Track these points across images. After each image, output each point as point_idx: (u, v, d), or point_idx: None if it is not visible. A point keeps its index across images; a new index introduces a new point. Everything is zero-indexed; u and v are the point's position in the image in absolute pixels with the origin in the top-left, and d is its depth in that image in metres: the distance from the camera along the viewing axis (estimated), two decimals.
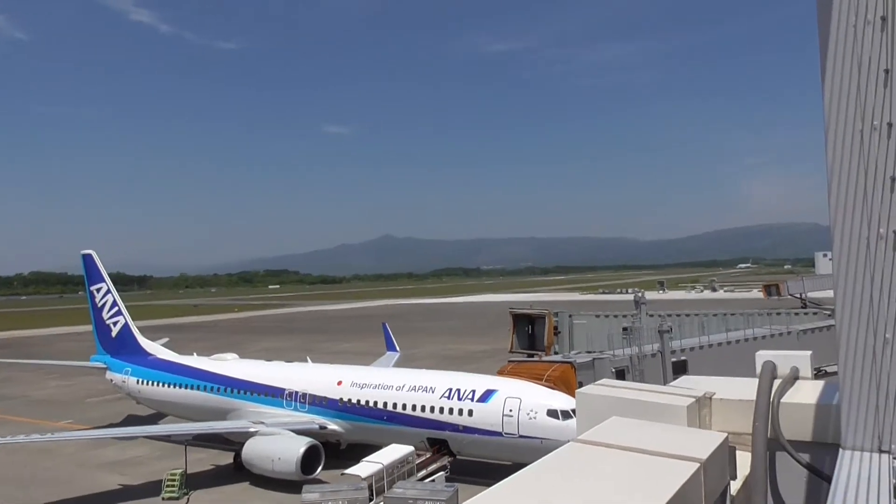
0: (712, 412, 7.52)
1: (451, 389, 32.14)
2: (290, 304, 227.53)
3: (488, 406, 30.65)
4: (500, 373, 36.18)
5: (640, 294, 43.90)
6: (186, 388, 41.60)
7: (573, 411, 25.63)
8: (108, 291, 49.07)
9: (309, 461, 31.47)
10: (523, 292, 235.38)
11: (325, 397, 35.87)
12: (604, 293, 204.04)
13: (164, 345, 49.11)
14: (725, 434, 6.17)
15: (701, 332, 43.51)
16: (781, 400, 7.12)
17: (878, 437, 5.46)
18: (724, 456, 5.88)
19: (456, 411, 31.37)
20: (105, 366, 47.84)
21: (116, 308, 48.70)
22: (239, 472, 33.96)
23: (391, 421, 33.11)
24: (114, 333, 48.37)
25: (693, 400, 7.16)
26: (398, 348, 53.86)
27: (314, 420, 35.44)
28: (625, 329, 41.65)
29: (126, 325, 48.33)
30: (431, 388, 32.81)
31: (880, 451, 5.41)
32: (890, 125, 5.23)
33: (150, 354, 46.81)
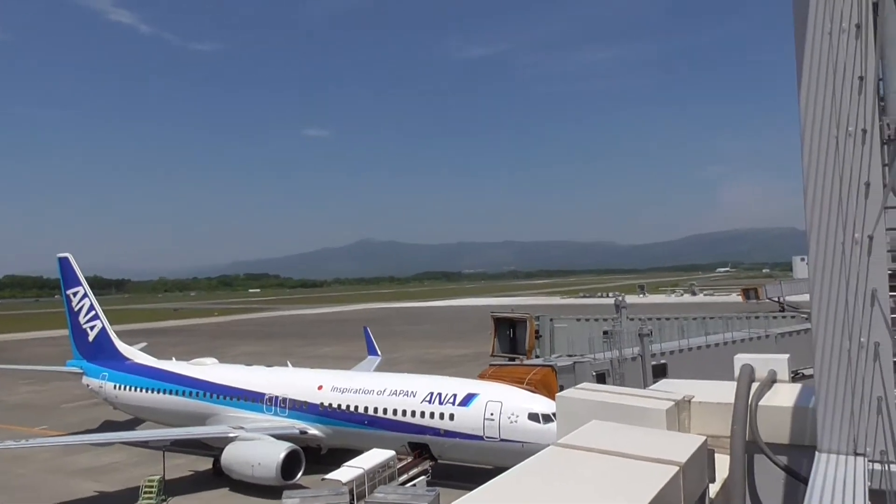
0: (691, 415, 7.57)
1: (432, 393, 32.09)
2: (270, 308, 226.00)
3: (469, 410, 30.62)
4: (482, 376, 36.20)
5: (620, 298, 44.21)
6: (165, 393, 41.12)
7: (554, 415, 25.63)
8: (85, 295, 48.42)
9: (289, 466, 31.22)
10: (505, 296, 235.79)
11: (306, 402, 35.65)
12: (585, 297, 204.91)
13: (142, 349, 48.57)
14: (704, 437, 6.21)
15: (681, 336, 43.84)
16: (759, 403, 7.18)
17: (854, 439, 5.52)
18: (702, 459, 5.92)
19: (437, 415, 31.32)
20: (81, 371, 47.17)
21: (93, 312, 48.06)
22: (218, 477, 33.60)
23: (372, 425, 32.98)
24: (91, 338, 47.72)
25: (672, 403, 7.20)
26: (379, 352, 53.63)
27: (294, 425, 35.19)
28: (605, 333, 41.84)
29: (103, 329, 47.71)
30: (412, 392, 32.74)
31: (855, 454, 5.47)
32: (864, 131, 5.31)
33: (128, 359, 46.24)
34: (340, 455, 31.81)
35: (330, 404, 34.77)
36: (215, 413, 38.28)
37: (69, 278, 49.04)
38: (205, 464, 36.03)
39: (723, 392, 7.58)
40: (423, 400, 32.04)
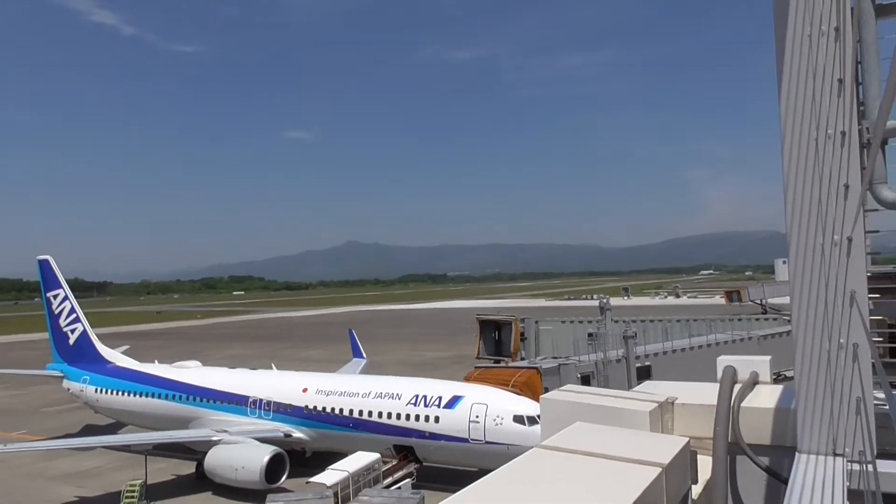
0: (674, 417, 7.61)
1: (417, 396, 32.05)
2: (254, 310, 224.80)
3: (455, 412, 30.62)
4: (467, 379, 36.23)
5: (605, 300, 44.40)
6: (147, 396, 40.77)
7: (539, 417, 25.59)
8: (66, 298, 47.92)
9: (273, 469, 31.06)
10: (490, 298, 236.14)
11: (290, 405, 35.48)
12: (569, 299, 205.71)
13: (124, 352, 48.11)
14: (687, 438, 6.24)
15: (665, 338, 44.13)
16: (742, 404, 7.23)
17: (833, 440, 5.57)
18: (685, 460, 5.95)
19: (422, 418, 31.29)
20: (62, 374, 46.66)
21: (74, 315, 47.57)
22: (201, 481, 33.36)
23: (357, 428, 32.88)
24: (71, 341, 47.23)
25: (656, 405, 7.23)
26: (364, 355, 53.52)
27: (279, 428, 35.01)
28: (590, 335, 42.04)
29: (84, 332, 47.22)
30: (398, 394, 32.69)
31: (835, 455, 5.52)
32: (843, 133, 5.37)
33: (110, 362, 45.80)
34: (325, 458, 31.66)
35: (315, 407, 34.63)
36: (198, 416, 37.99)
37: (49, 281, 48.51)
38: (188, 468, 35.74)
39: (706, 394, 7.63)
40: (409, 402, 32.00)
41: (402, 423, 31.72)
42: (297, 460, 33.45)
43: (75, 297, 48.78)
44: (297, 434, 34.82)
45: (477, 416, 29.93)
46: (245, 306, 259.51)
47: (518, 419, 29.14)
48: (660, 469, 4.97)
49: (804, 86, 5.51)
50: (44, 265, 48.64)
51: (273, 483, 30.65)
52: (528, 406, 29.68)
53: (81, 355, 46.55)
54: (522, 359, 45.08)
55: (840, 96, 5.45)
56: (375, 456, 28.60)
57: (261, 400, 36.54)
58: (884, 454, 5.56)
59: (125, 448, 36.94)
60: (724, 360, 8.16)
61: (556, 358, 39.87)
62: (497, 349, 48.53)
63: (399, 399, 32.41)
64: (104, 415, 44.44)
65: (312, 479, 26.21)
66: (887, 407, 5.78)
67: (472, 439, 29.80)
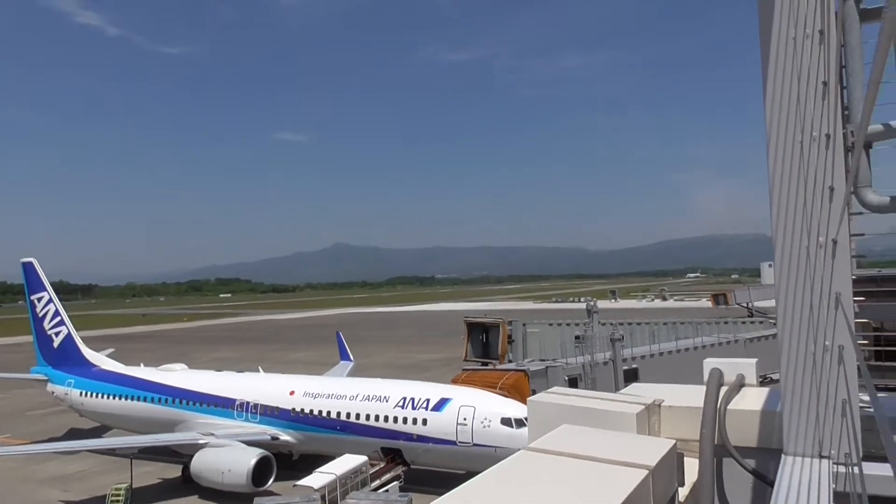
0: (661, 419, 7.62)
1: (405, 398, 32.01)
2: (241, 313, 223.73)
3: (442, 415, 30.60)
4: (455, 381, 36.24)
5: (592, 303, 44.54)
6: (133, 399, 40.47)
7: (527, 419, 25.64)
8: (50, 301, 47.50)
9: (260, 473, 30.91)
10: (478, 301, 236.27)
11: (277, 407, 35.33)
12: (557, 302, 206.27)
13: (109, 355, 47.75)
14: (674, 441, 6.26)
15: (652, 341, 44.32)
16: (728, 407, 7.25)
17: (819, 442, 5.59)
18: (672, 462, 5.97)
19: (410, 420, 31.24)
20: (46, 377, 46.24)
21: (59, 318, 47.16)
22: (188, 485, 33.15)
23: (345, 431, 32.79)
24: (56, 344, 46.81)
25: (642, 407, 7.25)
26: (352, 357, 53.42)
27: (266, 431, 34.85)
28: (577, 337, 42.17)
29: (69, 335, 46.82)
30: (385, 397, 32.62)
31: (820, 457, 5.55)
32: (828, 136, 5.40)
33: (95, 365, 45.44)
34: (312, 461, 31.53)
35: (302, 410, 34.50)
36: (185, 420, 37.75)
37: (33, 283, 48.07)
38: (174, 471, 35.50)
39: (692, 396, 7.65)
40: (396, 405, 31.95)
41: (390, 425, 31.67)
42: (284, 463, 33.33)
43: (60, 300, 48.38)
44: (284, 437, 34.67)
45: (465, 419, 29.93)
46: (232, 309, 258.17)
47: (506, 421, 29.16)
48: (646, 471, 4.98)
49: (789, 88, 5.55)
50: (28, 267, 48.20)
51: (260, 486, 30.49)
52: (515, 408, 29.71)
53: (66, 358, 46.15)
54: (510, 361, 45.15)
55: (825, 99, 5.49)
56: (363, 458, 28.53)
57: (248, 403, 36.36)
58: (869, 456, 5.59)
59: (110, 452, 36.66)
60: (710, 363, 8.20)
61: (543, 360, 39.99)
62: (485, 351, 48.59)
63: (387, 402, 32.35)
64: (89, 418, 44.08)
65: (300, 482, 26.12)
66: (872, 409, 5.82)
67: (459, 442, 29.78)
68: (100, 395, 42.25)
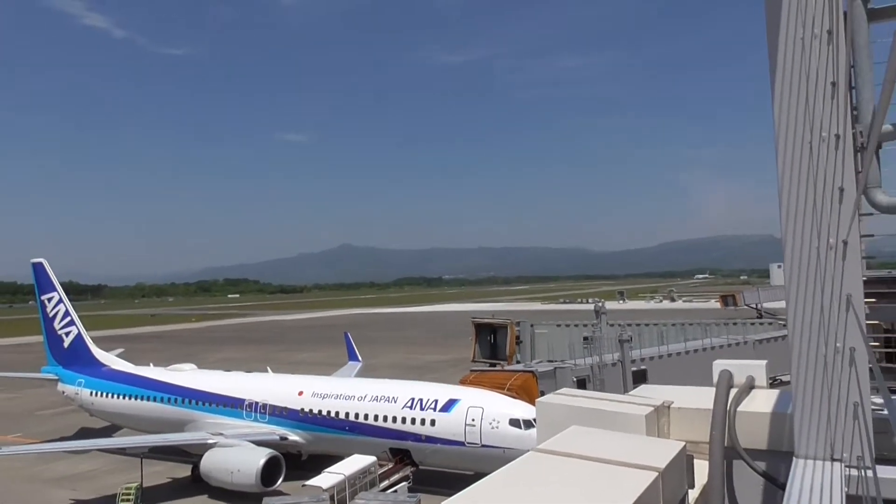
0: (671, 421, 7.60)
1: (413, 399, 32.03)
2: (249, 313, 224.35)
3: (451, 416, 30.61)
4: (463, 382, 36.19)
5: (600, 304, 44.43)
6: (142, 399, 40.67)
7: (535, 420, 25.61)
8: (60, 301, 47.78)
9: (269, 473, 30.99)
10: (485, 302, 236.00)
11: (286, 408, 35.42)
12: (565, 303, 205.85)
13: (119, 355, 48.00)
14: (683, 443, 6.24)
15: (660, 342, 44.20)
16: (738, 409, 7.22)
17: (830, 445, 5.56)
18: (682, 464, 5.95)
19: (418, 421, 31.26)
20: (56, 377, 46.53)
21: (69, 318, 47.44)
22: (197, 484, 33.29)
23: (353, 431, 32.84)
24: (66, 344, 47.08)
25: (652, 409, 7.23)
26: (360, 358, 53.50)
27: (275, 431, 34.95)
28: (586, 338, 42.09)
29: (79, 335, 47.09)
30: (394, 398, 32.66)
31: (832, 460, 5.51)
32: (837, 137, 5.37)
33: (105, 365, 45.68)
34: (321, 461, 31.61)
35: (310, 410, 34.57)
36: (194, 419, 37.91)
37: (44, 284, 48.37)
38: (183, 471, 35.65)
39: (702, 398, 7.63)
40: (405, 406, 31.98)
41: (399, 426, 31.70)
42: (293, 463, 33.42)
43: (70, 300, 48.64)
44: (293, 437, 34.76)
45: (473, 420, 29.92)
46: (240, 309, 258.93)
47: (514, 423, 29.14)
48: (656, 473, 4.97)
49: (797, 89, 5.52)
50: (38, 268, 48.50)
51: (269, 486, 30.58)
52: (523, 410, 29.68)
53: (76, 358, 46.41)
54: (518, 362, 45.09)
55: (834, 99, 5.46)
56: (372, 459, 28.59)
57: (256, 403, 36.48)
58: (882, 459, 5.55)
59: (120, 451, 36.87)
60: (720, 365, 8.17)
61: (551, 361, 39.88)
62: (493, 352, 48.52)
63: (395, 402, 32.38)
64: (99, 418, 44.32)
65: (308, 482, 26.19)
66: (885, 412, 5.77)
67: (468, 443, 29.78)
68: (110, 395, 42.46)
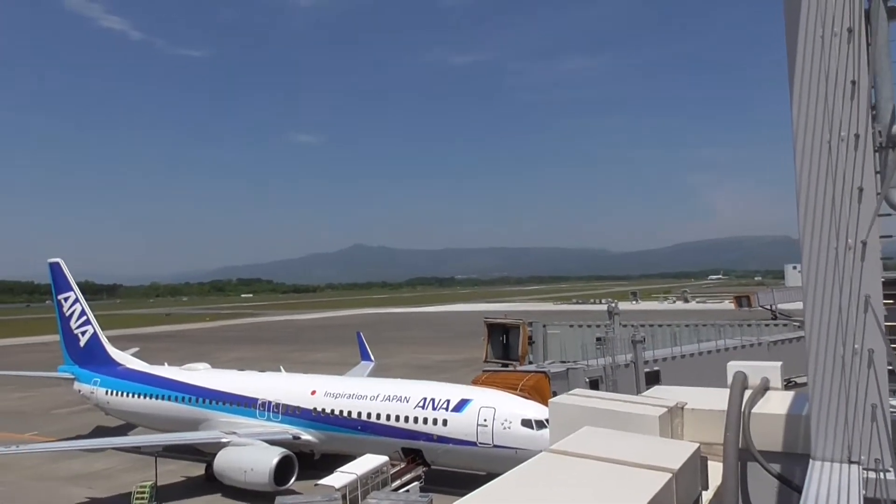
0: (684, 422, 7.56)
1: (425, 399, 32.03)
2: (262, 313, 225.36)
3: (463, 416, 30.58)
4: (475, 382, 36.18)
5: (613, 304, 44.26)
6: (157, 398, 40.94)
7: (547, 421, 25.60)
8: (77, 300, 48.18)
9: (282, 472, 31.11)
10: (497, 302, 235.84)
11: (299, 407, 35.54)
12: (577, 303, 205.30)
13: (134, 354, 48.31)
14: (697, 444, 6.20)
15: (673, 343, 43.97)
16: (752, 410, 7.16)
17: (848, 447, 5.50)
18: (695, 466, 5.91)
19: (430, 421, 31.26)
20: (73, 376, 46.90)
21: (85, 317, 47.83)
22: (210, 483, 33.46)
23: (365, 431, 32.89)
24: (82, 343, 47.48)
25: (665, 410, 7.19)
26: (372, 358, 53.57)
27: (287, 430, 35.07)
28: (598, 339, 41.93)
29: (95, 334, 47.47)
30: (406, 397, 32.67)
31: (850, 462, 5.45)
32: (857, 136, 5.30)
33: (120, 364, 46.01)
34: (333, 460, 31.69)
35: (323, 409, 34.67)
36: (208, 418, 38.11)
37: (60, 283, 48.79)
38: (197, 469, 35.85)
39: (716, 399, 7.57)
40: (417, 405, 31.99)
41: (411, 426, 31.71)
42: (305, 462, 33.51)
43: (86, 300, 49.04)
44: (306, 436, 34.87)
45: (485, 420, 29.89)
46: (253, 309, 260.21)
47: (526, 423, 29.07)
48: (670, 475, 4.93)
49: (817, 87, 5.45)
50: (54, 268, 48.94)
51: (282, 485, 30.70)
52: (536, 410, 29.62)
53: (92, 357, 46.79)
54: (530, 363, 45.02)
55: (854, 98, 5.39)
56: (384, 459, 28.61)
57: (269, 402, 36.62)
58: None
59: (135, 450, 37.10)
60: (734, 366, 8.10)
61: (564, 362, 39.82)
62: (505, 353, 48.48)
63: (407, 402, 32.40)
64: (114, 416, 44.65)
65: (321, 482, 26.24)
66: None
67: (480, 443, 29.75)
68: (125, 394, 42.77)
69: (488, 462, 28.94)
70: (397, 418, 32.16)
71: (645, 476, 4.92)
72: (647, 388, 9.98)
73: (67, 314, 48.18)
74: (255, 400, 37.17)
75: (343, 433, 33.84)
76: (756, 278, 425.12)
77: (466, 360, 70.80)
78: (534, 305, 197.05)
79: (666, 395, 8.19)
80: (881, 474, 5.21)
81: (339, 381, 39.35)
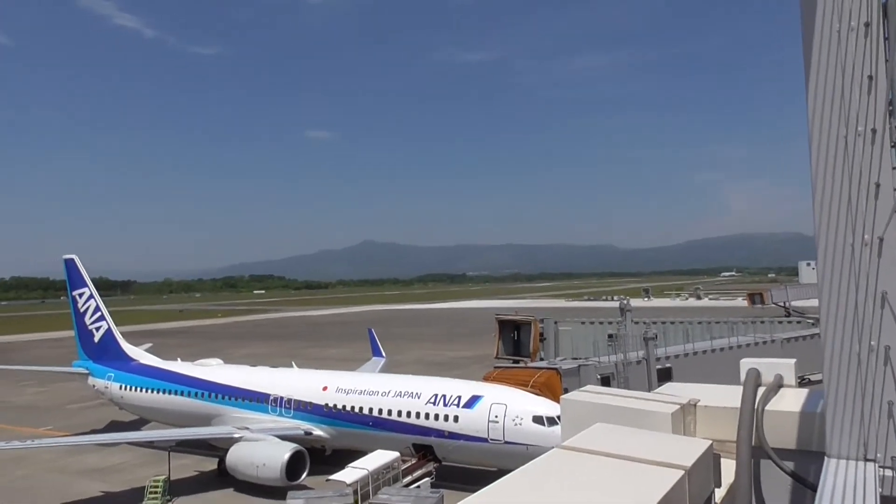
0: (697, 419, 7.52)
1: (436, 395, 32.07)
2: (274, 309, 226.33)
3: (474, 412, 30.60)
4: (486, 379, 36.16)
5: (625, 301, 44.09)
6: (170, 393, 41.22)
7: (558, 417, 25.64)
8: (91, 296, 48.56)
9: (294, 467, 31.25)
10: (509, 298, 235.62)
11: (311, 403, 35.68)
12: (589, 300, 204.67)
13: (147, 350, 48.70)
14: (710, 441, 6.16)
15: (685, 340, 43.71)
16: (766, 408, 7.11)
17: (864, 444, 5.45)
18: (708, 463, 5.88)
19: (441, 417, 31.29)
20: (87, 371, 47.29)
21: (99, 313, 48.21)
22: (223, 478, 33.67)
23: (377, 427, 32.97)
24: (96, 339, 47.87)
25: (678, 407, 7.15)
26: (384, 354, 53.69)
27: (299, 426, 35.22)
28: (610, 336, 41.80)
29: (109, 330, 47.84)
30: (417, 393, 32.73)
31: (865, 460, 5.40)
32: (874, 131, 5.24)
33: (134, 360, 46.37)
34: (345, 456, 31.81)
35: (335, 405, 34.79)
36: (220, 414, 38.35)
37: (75, 279, 49.19)
38: (210, 464, 36.09)
39: (729, 396, 7.53)
40: (428, 402, 32.03)
41: (422, 422, 31.76)
42: (317, 458, 33.65)
43: (100, 296, 49.43)
44: (318, 432, 35.00)
45: (496, 416, 29.88)
46: (265, 305, 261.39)
47: (537, 420, 29.06)
48: (683, 472, 4.91)
49: (833, 82, 5.39)
50: (69, 264, 49.34)
51: (293, 480, 30.85)
52: (547, 406, 29.58)
53: (106, 353, 47.18)
54: (541, 359, 44.90)
55: (870, 93, 5.32)
56: (395, 454, 28.69)
57: (281, 398, 36.78)
58: None
59: (149, 444, 37.42)
60: (747, 363, 8.05)
61: (575, 359, 39.67)
62: (516, 349, 48.37)
63: (418, 398, 32.46)
64: (128, 411, 45.03)
65: (332, 477, 26.36)
66: None
67: (490, 439, 29.76)
68: (138, 389, 43.08)
69: (499, 458, 28.95)
70: (408, 414, 32.21)
71: (658, 473, 4.90)
72: (659, 385, 9.94)
73: (82, 310, 48.58)
74: (267, 395, 37.34)
75: (354, 429, 33.94)
76: (769, 275, 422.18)
77: (478, 356, 70.81)
78: (545, 302, 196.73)
79: (678, 392, 8.15)
80: None
81: (351, 377, 39.46)
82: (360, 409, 33.84)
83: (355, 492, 25.11)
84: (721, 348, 41.04)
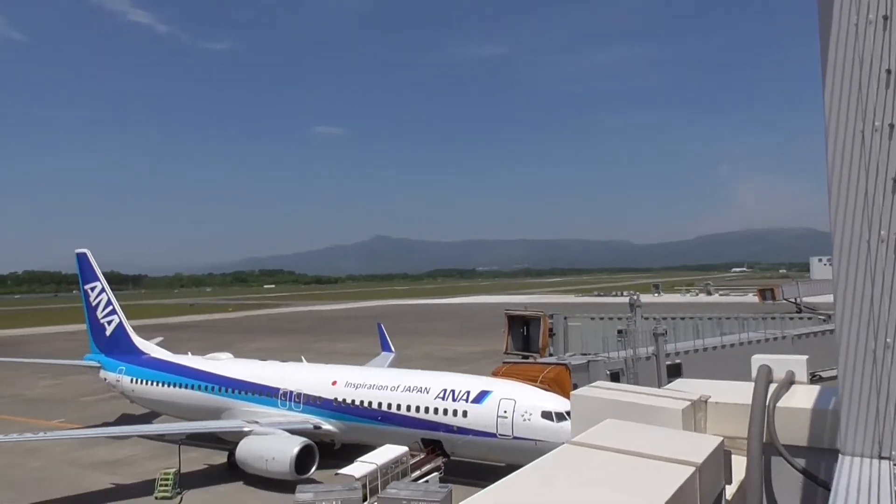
0: (707, 416, 7.47)
1: (445, 390, 32.11)
2: (284, 304, 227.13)
3: (483, 407, 30.61)
4: (495, 374, 36.14)
5: (635, 297, 43.95)
6: (181, 387, 41.49)
7: (568, 413, 25.67)
8: (103, 290, 48.91)
9: (303, 461, 31.40)
10: (519, 294, 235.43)
11: (320, 397, 35.80)
12: (599, 296, 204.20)
13: (158, 344, 48.98)
14: (721, 438, 6.12)
15: (696, 336, 43.53)
16: (777, 404, 7.05)
17: (879, 442, 5.38)
18: (719, 460, 5.84)
19: (450, 412, 31.33)
20: (99, 365, 47.69)
21: (111, 307, 48.55)
22: (232, 471, 33.88)
23: (385, 421, 33.06)
24: (108, 332, 48.22)
25: (688, 403, 7.11)
26: (393, 349, 53.81)
27: (308, 420, 35.37)
28: (620, 331, 41.64)
29: (120, 324, 48.18)
30: (426, 388, 32.77)
31: (880, 458, 5.34)
32: (891, 126, 5.15)
33: (145, 353, 46.68)
34: (353, 450, 31.91)
35: (344, 400, 34.90)
36: (230, 407, 38.56)
37: (87, 273, 49.55)
38: (219, 457, 36.31)
39: (740, 392, 7.47)
40: (437, 396, 32.08)
41: (430, 416, 31.81)
42: (326, 452, 33.80)
43: (111, 290, 49.76)
44: (327, 426, 35.14)
45: (505, 412, 29.89)
46: (275, 300, 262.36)
47: (546, 415, 29.03)
48: (693, 468, 4.87)
49: (850, 76, 5.29)
50: (81, 258, 49.70)
51: (302, 474, 30.98)
52: (556, 402, 29.56)
53: (117, 346, 47.53)
54: (551, 355, 44.84)
55: (888, 87, 5.23)
56: (403, 449, 28.74)
57: (291, 392, 36.94)
58: None
59: (159, 437, 37.70)
60: (758, 359, 7.98)
61: (585, 354, 39.58)
62: (525, 345, 48.31)
63: (427, 393, 32.50)
64: (139, 404, 45.33)
65: (341, 471, 26.45)
66: None
67: (499, 434, 29.76)
68: (149, 383, 43.39)
69: (508, 453, 28.97)
70: (417, 409, 32.27)
71: (668, 469, 4.86)
72: (669, 382, 9.89)
73: (94, 304, 48.94)
74: (277, 389, 37.50)
75: (363, 423, 34.04)
76: (781, 271, 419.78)
77: (487, 351, 70.80)
78: (555, 297, 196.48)
79: (688, 388, 8.10)
80: None
81: (360, 371, 39.56)
82: (370, 403, 33.94)
83: (364, 486, 25.18)
84: (731, 344, 40.85)
